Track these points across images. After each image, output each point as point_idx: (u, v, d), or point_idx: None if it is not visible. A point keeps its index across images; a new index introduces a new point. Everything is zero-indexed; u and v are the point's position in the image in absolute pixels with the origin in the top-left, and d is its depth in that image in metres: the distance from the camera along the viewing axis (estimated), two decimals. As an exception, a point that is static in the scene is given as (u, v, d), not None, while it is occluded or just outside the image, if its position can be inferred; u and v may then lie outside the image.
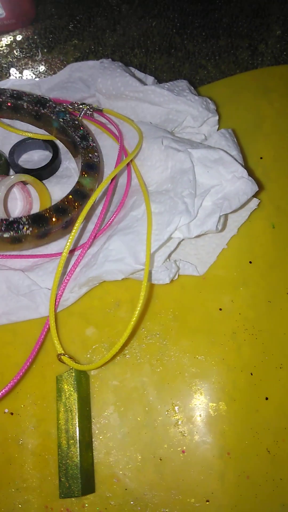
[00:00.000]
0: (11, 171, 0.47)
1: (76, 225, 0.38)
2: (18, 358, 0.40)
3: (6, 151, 0.47)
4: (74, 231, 0.39)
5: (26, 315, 0.41)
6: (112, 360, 0.39)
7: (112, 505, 0.35)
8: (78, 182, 0.42)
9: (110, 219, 0.43)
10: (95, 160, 0.43)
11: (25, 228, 0.38)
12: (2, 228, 0.38)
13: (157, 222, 0.39)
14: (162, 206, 0.40)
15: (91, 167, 0.43)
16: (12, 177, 0.42)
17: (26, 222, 0.39)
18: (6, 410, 0.38)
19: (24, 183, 0.45)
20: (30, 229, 0.39)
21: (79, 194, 0.41)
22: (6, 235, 0.38)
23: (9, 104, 0.47)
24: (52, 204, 0.45)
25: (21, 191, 0.44)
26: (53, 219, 0.40)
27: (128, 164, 0.44)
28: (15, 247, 0.41)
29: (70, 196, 0.41)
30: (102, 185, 0.40)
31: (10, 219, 0.39)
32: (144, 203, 0.40)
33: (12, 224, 0.39)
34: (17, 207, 0.45)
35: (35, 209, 0.46)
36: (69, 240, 0.39)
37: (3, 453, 0.37)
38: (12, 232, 0.38)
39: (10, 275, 0.42)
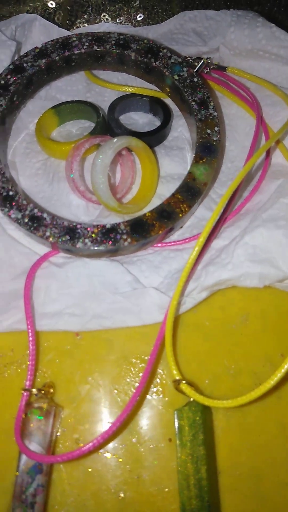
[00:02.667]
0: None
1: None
2: (116, 378, 0.30)
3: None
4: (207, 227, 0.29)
5: (124, 321, 0.31)
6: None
7: None
8: (189, 173, 0.32)
9: (240, 205, 0.33)
10: (215, 139, 0.33)
11: (122, 239, 0.31)
12: (98, 239, 0.30)
13: None
14: None
15: (208, 149, 0.33)
16: (122, 139, 0.32)
17: (125, 231, 0.31)
18: (101, 450, 0.28)
19: (129, 149, 0.35)
20: (129, 240, 0.31)
21: (190, 192, 0.32)
22: (101, 247, 0.31)
23: (114, 54, 0.37)
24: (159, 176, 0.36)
25: (125, 158, 0.34)
26: (156, 227, 0.31)
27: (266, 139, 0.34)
28: (110, 255, 0.33)
29: (178, 195, 0.32)
30: (229, 190, 0.30)
31: (108, 226, 0.31)
32: (299, 188, 0.31)
33: (108, 233, 0.31)
34: (117, 178, 0.35)
35: (137, 182, 0.36)
36: (201, 238, 0.29)
37: (98, 509, 0.27)
38: (108, 244, 0.30)
39: (105, 267, 0.32)
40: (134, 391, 0.28)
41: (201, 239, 0.29)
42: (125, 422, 0.29)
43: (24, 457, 0.26)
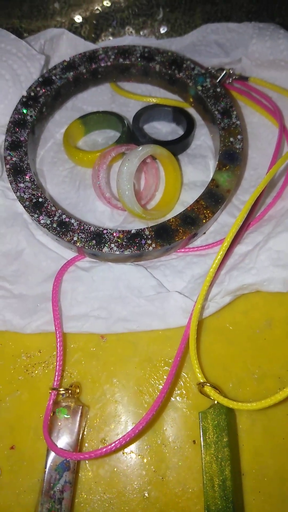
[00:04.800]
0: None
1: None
2: (140, 380, 0.31)
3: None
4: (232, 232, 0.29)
5: (149, 324, 0.32)
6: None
7: None
8: (212, 180, 0.33)
9: (263, 211, 0.34)
10: (237, 146, 0.34)
11: (147, 244, 0.31)
12: (123, 243, 0.31)
13: None
14: None
15: (231, 157, 0.34)
16: (147, 148, 0.33)
17: (149, 236, 0.32)
18: (127, 450, 0.29)
19: (153, 157, 0.36)
20: (153, 245, 0.31)
21: (213, 198, 0.33)
22: (127, 252, 0.31)
23: (138, 67, 0.38)
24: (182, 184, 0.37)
25: (149, 166, 0.35)
26: (180, 232, 0.32)
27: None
28: (135, 260, 0.34)
29: (202, 202, 0.33)
30: (253, 196, 0.30)
31: (133, 232, 0.32)
32: None
33: (133, 238, 0.32)
34: (141, 185, 0.36)
35: (160, 189, 0.37)
36: (224, 244, 0.30)
37: (124, 509, 0.28)
38: (133, 249, 0.31)
39: (130, 271, 0.33)
40: (159, 393, 0.29)
41: (225, 244, 0.29)
42: (150, 423, 0.30)
43: (52, 454, 0.27)
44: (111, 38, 0.46)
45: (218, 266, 0.29)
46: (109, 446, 0.26)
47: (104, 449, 0.26)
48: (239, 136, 0.34)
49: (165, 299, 0.32)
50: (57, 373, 0.30)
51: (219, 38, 0.42)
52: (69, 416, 0.28)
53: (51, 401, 0.29)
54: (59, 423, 0.28)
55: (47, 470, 0.27)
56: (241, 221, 0.29)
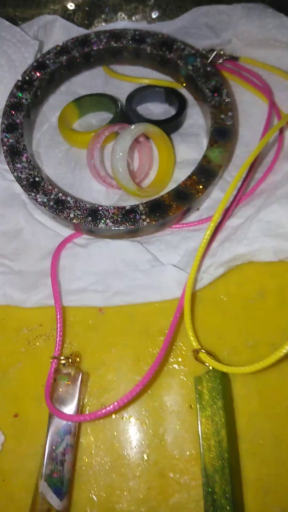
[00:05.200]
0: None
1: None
2: (137, 349, 0.32)
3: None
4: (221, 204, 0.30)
5: (145, 297, 0.33)
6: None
7: None
8: (204, 157, 0.34)
9: (255, 186, 0.35)
10: (228, 123, 0.35)
11: (142, 219, 0.33)
12: (118, 219, 0.33)
13: None
14: None
15: (223, 133, 0.35)
16: (140, 126, 0.34)
17: (144, 212, 0.33)
18: (126, 415, 0.30)
19: (146, 137, 0.37)
20: (147, 220, 0.32)
21: (205, 173, 0.33)
22: (122, 227, 0.32)
23: (130, 49, 0.39)
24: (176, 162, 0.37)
25: (142, 145, 0.36)
26: (173, 207, 0.33)
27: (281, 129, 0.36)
28: (131, 236, 0.35)
29: (194, 177, 0.34)
30: (243, 168, 0.31)
31: (127, 208, 0.33)
32: (310, 166, 0.32)
33: (128, 214, 0.33)
34: (135, 163, 0.37)
35: (154, 167, 0.38)
36: (216, 214, 0.30)
37: (123, 470, 0.29)
38: (128, 224, 0.32)
39: (126, 247, 0.34)
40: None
41: (216, 215, 0.30)
42: (147, 388, 0.31)
43: (54, 419, 0.28)
44: (103, 24, 0.47)
45: (210, 237, 0.30)
46: (108, 408, 0.27)
47: (103, 411, 0.27)
48: (229, 113, 0.35)
49: (160, 272, 0.33)
50: (57, 343, 0.31)
51: (209, 20, 0.43)
52: (69, 383, 0.29)
53: (52, 369, 0.30)
54: (60, 389, 0.29)
55: (49, 434, 0.28)
56: (231, 193, 0.30)
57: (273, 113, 0.36)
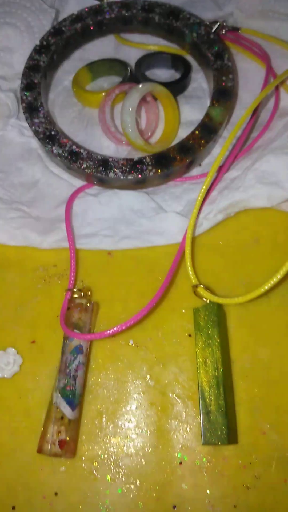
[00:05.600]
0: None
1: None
2: (143, 286, 0.35)
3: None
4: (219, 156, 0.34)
5: (150, 241, 0.36)
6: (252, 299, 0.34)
7: (256, 461, 0.30)
8: (207, 114, 0.37)
9: (252, 142, 0.38)
10: (229, 84, 0.38)
11: (148, 169, 0.36)
12: (127, 169, 0.36)
13: None
14: None
15: (224, 93, 0.38)
16: (147, 84, 0.37)
17: (150, 163, 0.36)
18: (131, 342, 0.34)
19: (154, 98, 0.40)
20: (153, 170, 0.36)
21: (207, 129, 0.36)
22: (130, 176, 0.36)
23: (140, 18, 0.42)
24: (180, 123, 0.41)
25: (150, 105, 0.39)
26: (177, 159, 0.36)
27: (276, 88, 0.39)
28: (138, 186, 0.38)
29: (197, 132, 0.37)
30: (242, 119, 0.35)
31: (135, 159, 0.36)
32: (302, 122, 0.35)
33: (135, 165, 0.36)
34: (143, 122, 0.40)
35: (160, 127, 0.41)
36: (214, 164, 0.34)
37: (129, 388, 0.32)
38: (136, 174, 0.35)
39: (133, 196, 0.38)
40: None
41: (216, 162, 0.33)
42: (152, 320, 0.34)
43: (68, 341, 0.32)
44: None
45: (210, 183, 0.33)
46: (114, 328, 0.30)
47: (111, 331, 0.30)
48: (230, 76, 0.38)
49: (164, 218, 0.36)
50: (71, 279, 0.34)
51: (214, -6, 0.46)
52: (82, 312, 0.32)
53: (66, 300, 0.33)
54: (73, 317, 0.32)
55: (63, 353, 0.31)
56: (230, 144, 0.33)
57: (270, 77, 0.39)
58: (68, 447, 0.29)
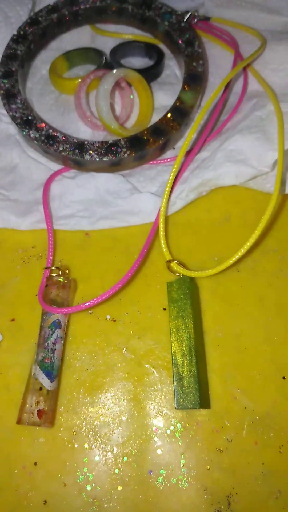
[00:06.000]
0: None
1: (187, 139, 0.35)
2: (119, 264, 0.36)
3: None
4: (187, 139, 0.35)
5: (126, 220, 0.38)
6: (223, 272, 0.35)
7: (228, 425, 0.31)
8: (178, 98, 0.39)
9: (222, 124, 0.39)
10: (199, 70, 0.39)
11: (122, 151, 0.37)
12: (102, 152, 0.37)
13: (288, 121, 0.35)
14: (293, 105, 0.36)
15: (194, 78, 0.39)
16: (121, 70, 0.38)
17: (124, 145, 0.37)
18: (108, 317, 0.35)
19: (128, 84, 0.41)
20: (128, 152, 0.37)
21: (179, 112, 0.38)
22: (105, 158, 0.37)
23: (114, 8, 0.44)
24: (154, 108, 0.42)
25: (124, 90, 0.41)
26: (151, 141, 0.37)
27: (244, 70, 0.40)
28: (114, 169, 0.39)
29: (169, 115, 0.38)
30: (211, 99, 0.36)
31: (110, 142, 0.37)
32: (269, 103, 0.36)
33: (110, 147, 0.37)
34: (118, 108, 0.42)
35: (135, 112, 0.42)
36: (185, 142, 0.35)
37: (106, 360, 0.33)
38: (111, 156, 0.37)
39: (109, 178, 0.39)
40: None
41: (185, 144, 0.35)
42: (128, 294, 0.35)
43: (46, 316, 0.33)
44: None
45: (180, 165, 0.35)
46: (90, 302, 0.31)
47: (88, 303, 0.31)
48: (200, 61, 0.40)
49: (139, 198, 0.38)
50: (49, 257, 0.35)
51: (187, -15, 0.47)
52: (60, 288, 0.33)
53: (45, 277, 0.34)
54: (52, 293, 0.33)
55: (42, 327, 0.32)
56: (198, 125, 0.35)
57: (238, 62, 0.40)
58: (47, 417, 0.30)
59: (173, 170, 0.35)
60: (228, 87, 0.39)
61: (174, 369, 0.31)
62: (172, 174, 0.35)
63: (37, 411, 0.30)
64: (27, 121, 0.38)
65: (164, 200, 0.35)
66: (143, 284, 0.36)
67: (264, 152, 0.34)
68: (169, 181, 0.35)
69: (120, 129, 0.39)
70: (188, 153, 0.37)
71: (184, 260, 0.36)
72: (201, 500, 0.30)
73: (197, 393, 0.30)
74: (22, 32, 0.42)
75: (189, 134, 0.35)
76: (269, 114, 0.36)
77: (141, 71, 0.41)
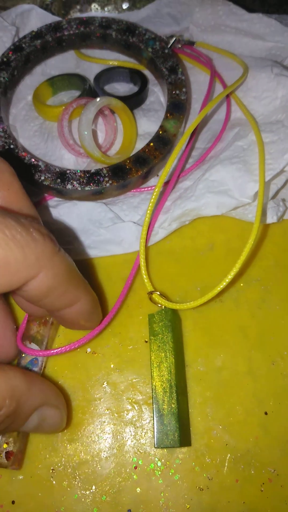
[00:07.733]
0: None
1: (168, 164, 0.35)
2: (101, 295, 0.36)
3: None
4: (168, 165, 0.35)
5: (108, 250, 0.37)
6: (207, 304, 0.35)
7: (209, 462, 0.31)
8: (161, 126, 0.38)
9: (205, 153, 0.39)
10: (182, 98, 0.39)
11: (105, 181, 0.37)
12: (84, 181, 0.37)
13: (269, 152, 0.35)
14: (275, 135, 0.35)
15: (177, 106, 0.39)
16: (104, 99, 0.38)
17: (107, 175, 0.37)
18: (89, 350, 0.34)
19: (112, 111, 0.41)
20: (110, 182, 0.37)
21: (161, 141, 0.38)
22: (87, 188, 0.37)
23: (98, 34, 0.44)
24: (137, 135, 0.42)
25: (108, 118, 0.41)
26: (133, 170, 0.37)
27: (227, 97, 0.40)
28: (96, 198, 0.39)
29: (152, 144, 0.38)
30: (190, 129, 0.36)
31: (92, 171, 0.37)
32: (250, 133, 0.36)
33: (93, 176, 0.37)
34: (102, 135, 0.42)
35: (119, 140, 0.42)
36: (164, 172, 0.35)
37: (85, 395, 0.33)
38: (93, 185, 0.36)
39: (92, 207, 0.39)
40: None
41: (163, 173, 0.35)
42: (109, 326, 0.35)
43: (24, 353, 0.32)
44: (78, 14, 0.52)
45: (157, 195, 0.35)
46: (70, 345, 0.30)
47: (66, 347, 0.30)
48: (183, 89, 0.40)
49: (121, 228, 0.37)
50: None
51: (171, 10, 0.47)
52: (41, 325, 0.33)
53: (26, 317, 0.34)
54: (32, 329, 0.33)
55: (19, 365, 0.32)
56: (176, 155, 0.34)
57: (214, 82, 0.40)
58: (15, 459, 0.30)
59: (152, 200, 0.35)
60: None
61: (154, 405, 0.31)
62: (150, 204, 0.35)
63: (5, 452, 0.29)
64: (8, 150, 0.38)
65: (144, 231, 0.35)
66: (125, 315, 0.35)
67: (245, 183, 0.34)
68: (148, 211, 0.35)
69: (103, 157, 0.39)
70: (167, 183, 0.37)
71: (167, 289, 0.36)
72: None
73: (177, 431, 0.29)
74: (5, 59, 0.42)
75: (168, 164, 0.35)
76: (251, 144, 0.36)
77: (124, 99, 0.41)
